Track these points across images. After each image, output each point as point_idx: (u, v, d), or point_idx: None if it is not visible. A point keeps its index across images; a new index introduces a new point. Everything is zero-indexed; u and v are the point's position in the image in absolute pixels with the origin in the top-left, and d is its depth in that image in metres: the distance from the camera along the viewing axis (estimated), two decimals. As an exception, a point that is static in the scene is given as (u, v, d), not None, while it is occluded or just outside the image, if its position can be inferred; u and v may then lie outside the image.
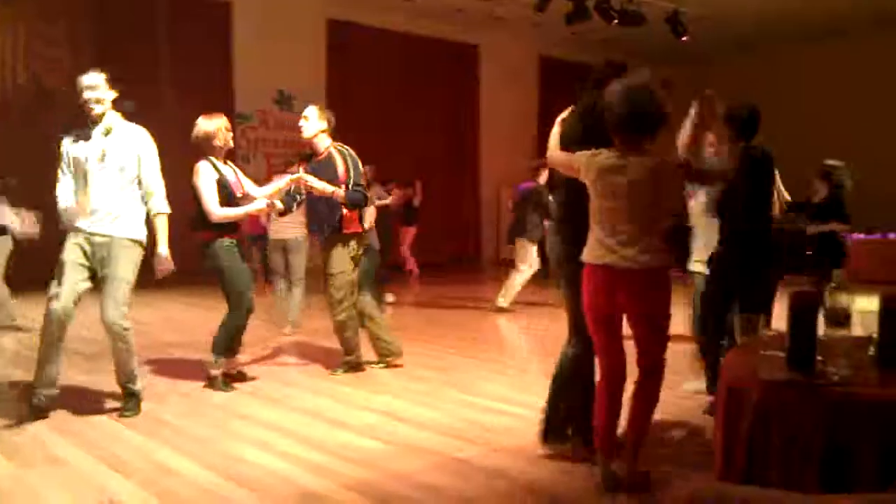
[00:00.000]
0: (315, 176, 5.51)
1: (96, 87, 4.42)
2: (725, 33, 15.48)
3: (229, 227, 5.22)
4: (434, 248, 14.87)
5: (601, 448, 3.38)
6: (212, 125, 5.22)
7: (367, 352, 5.86)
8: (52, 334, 4.33)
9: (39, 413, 4.40)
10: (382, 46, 15.09)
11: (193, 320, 8.43)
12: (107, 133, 4.45)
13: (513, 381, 5.52)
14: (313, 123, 5.59)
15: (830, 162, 6.59)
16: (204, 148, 5.21)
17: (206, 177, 5.14)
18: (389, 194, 10.45)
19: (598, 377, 3.48)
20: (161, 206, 4.57)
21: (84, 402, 4.76)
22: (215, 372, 5.19)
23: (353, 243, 5.60)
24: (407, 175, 11.89)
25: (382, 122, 14.83)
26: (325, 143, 5.62)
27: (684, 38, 13.16)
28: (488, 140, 17.28)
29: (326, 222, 5.56)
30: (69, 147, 4.49)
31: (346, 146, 5.70)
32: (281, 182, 5.73)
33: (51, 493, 3.33)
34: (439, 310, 9.56)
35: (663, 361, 3.37)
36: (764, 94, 16.74)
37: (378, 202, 9.88)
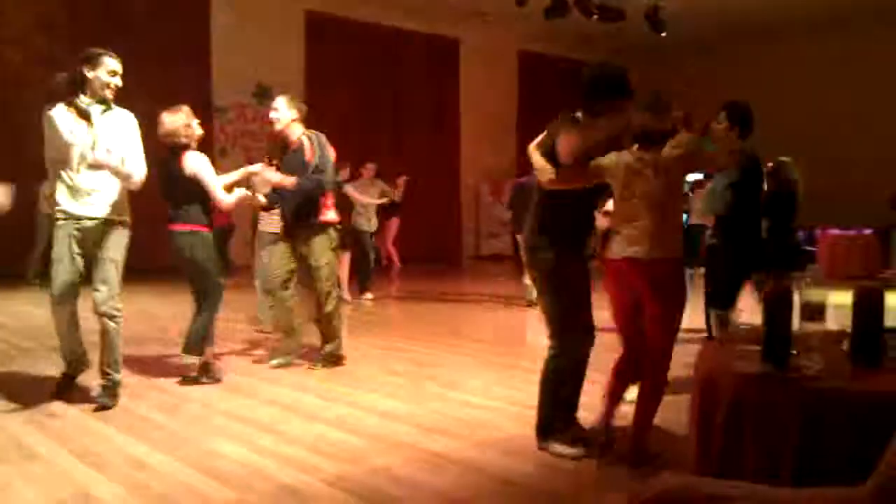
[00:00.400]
0: (287, 166, 5.49)
1: (119, 73, 4.39)
2: (705, 28, 15.56)
3: (210, 220, 5.18)
4: (414, 243, 14.85)
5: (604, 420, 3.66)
6: (181, 118, 5.05)
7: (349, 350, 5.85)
8: (62, 323, 4.43)
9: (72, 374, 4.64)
10: (362, 39, 15.02)
11: (167, 313, 8.37)
12: (103, 114, 4.39)
13: (492, 375, 5.52)
14: (284, 113, 5.53)
15: (781, 159, 6.65)
16: (184, 141, 5.03)
17: (208, 166, 5.06)
18: (395, 188, 10.41)
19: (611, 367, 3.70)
20: (142, 174, 4.51)
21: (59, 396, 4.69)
22: (193, 372, 5.15)
23: (332, 233, 5.62)
24: (387, 169, 11.85)
25: (362, 115, 14.78)
26: (297, 132, 5.57)
27: (663, 34, 13.20)
28: (468, 134, 17.27)
29: (304, 214, 5.53)
30: (61, 123, 4.26)
31: (316, 132, 5.64)
32: (235, 174, 5.61)
33: (25, 487, 3.29)
34: (420, 304, 9.55)
35: (668, 353, 3.49)
36: (748, 87, 16.85)
37: (379, 200, 9.82)
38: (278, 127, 5.56)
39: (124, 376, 4.86)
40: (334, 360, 5.71)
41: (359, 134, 13.73)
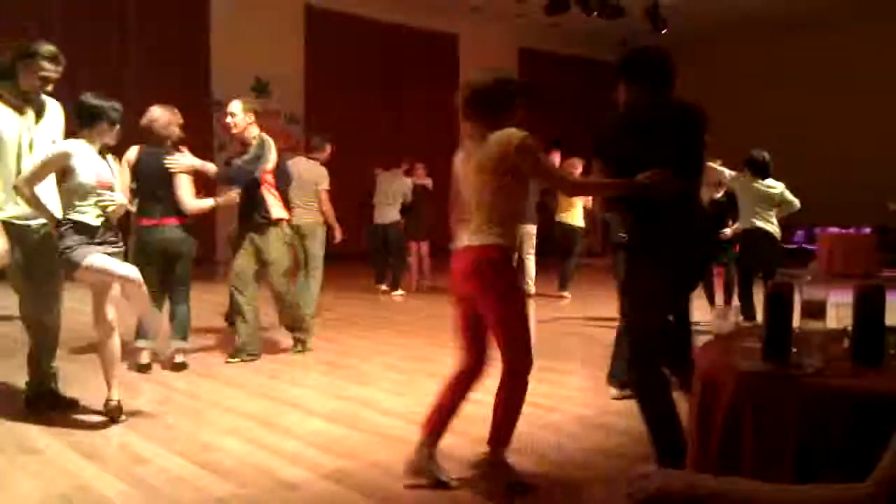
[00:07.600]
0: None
1: (60, 61, 3.98)
2: (704, 23, 15.54)
3: None
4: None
5: None
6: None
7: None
8: None
9: None
10: (362, 35, 14.99)
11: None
12: (40, 111, 4.04)
13: (492, 371, 5.50)
14: (239, 118, 5.67)
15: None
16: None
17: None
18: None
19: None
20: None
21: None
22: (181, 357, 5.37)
23: (286, 229, 5.85)
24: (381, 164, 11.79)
25: (361, 110, 14.73)
26: (253, 132, 5.71)
27: (664, 31, 13.17)
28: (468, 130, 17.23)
29: (255, 211, 5.68)
30: None
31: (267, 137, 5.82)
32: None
33: (23, 480, 3.29)
34: (419, 299, 9.54)
35: None
36: (744, 83, 16.82)
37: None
38: (235, 132, 5.71)
39: (121, 370, 4.81)
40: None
41: (358, 129, 13.67)
